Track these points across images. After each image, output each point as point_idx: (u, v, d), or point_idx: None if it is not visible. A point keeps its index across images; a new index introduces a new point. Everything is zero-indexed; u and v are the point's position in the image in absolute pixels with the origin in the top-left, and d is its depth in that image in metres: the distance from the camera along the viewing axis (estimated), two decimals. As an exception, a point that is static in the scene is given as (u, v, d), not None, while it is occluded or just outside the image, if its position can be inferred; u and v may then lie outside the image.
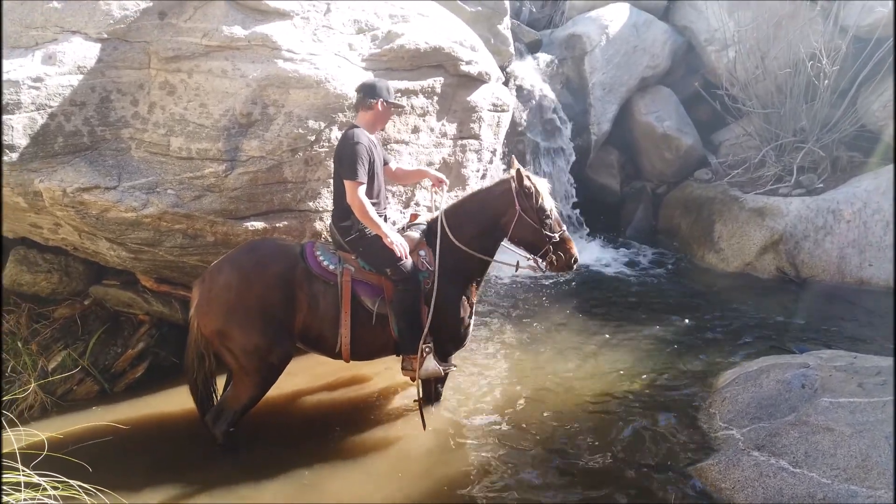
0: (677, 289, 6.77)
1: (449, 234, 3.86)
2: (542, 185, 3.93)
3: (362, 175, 3.61)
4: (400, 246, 3.68)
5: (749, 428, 3.78)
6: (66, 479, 2.56)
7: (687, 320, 5.78)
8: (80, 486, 2.52)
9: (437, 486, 3.52)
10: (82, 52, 3.97)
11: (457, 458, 3.77)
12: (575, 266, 4.02)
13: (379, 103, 3.78)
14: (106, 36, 4.06)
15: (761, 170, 7.85)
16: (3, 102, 3.68)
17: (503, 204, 3.90)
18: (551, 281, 6.73)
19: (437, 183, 4.20)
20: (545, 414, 4.22)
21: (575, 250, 4.00)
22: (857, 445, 3.31)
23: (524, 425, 4.09)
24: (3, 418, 3.28)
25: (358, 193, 3.61)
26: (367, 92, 3.78)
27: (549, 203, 3.92)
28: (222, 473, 3.57)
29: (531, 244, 3.97)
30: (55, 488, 2.53)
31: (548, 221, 3.90)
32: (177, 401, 4.32)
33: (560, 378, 4.70)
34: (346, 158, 3.62)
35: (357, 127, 3.76)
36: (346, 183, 3.63)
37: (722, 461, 3.56)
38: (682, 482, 3.54)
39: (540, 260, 3.98)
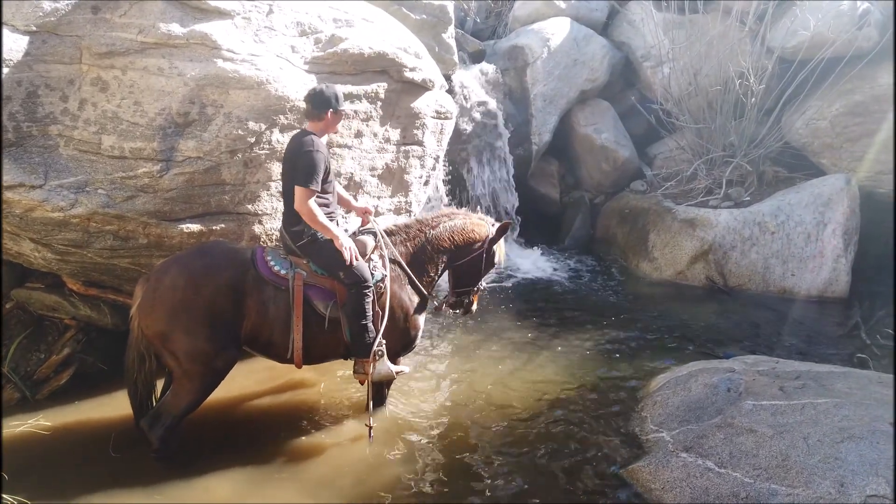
0: (613, 296, 6.96)
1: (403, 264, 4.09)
2: (503, 245, 4.46)
3: (316, 184, 3.61)
4: (350, 249, 3.68)
5: (678, 430, 3.91)
6: (-17, 490, 2.44)
7: (621, 327, 5.94)
8: (-3, 497, 2.41)
9: (372, 492, 3.50)
10: (8, 45, 3.80)
11: (393, 465, 3.77)
12: (471, 313, 4.58)
13: (328, 114, 3.75)
14: (35, 29, 3.90)
15: (693, 182, 8.16)
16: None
17: (473, 244, 4.27)
18: (491, 287, 6.80)
19: (363, 214, 4.27)
20: (481, 418, 4.26)
21: (475, 304, 4.54)
22: (777, 446, 3.47)
23: (460, 431, 4.13)
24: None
25: (308, 201, 3.60)
26: (316, 103, 3.72)
27: (502, 254, 4.43)
28: (149, 481, 3.46)
29: (466, 281, 4.36)
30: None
31: (489, 273, 4.43)
32: (104, 408, 4.18)
33: (497, 383, 4.76)
34: (303, 165, 3.60)
35: (311, 133, 3.74)
36: (299, 189, 3.59)
37: (652, 462, 3.68)
38: (615, 483, 3.63)
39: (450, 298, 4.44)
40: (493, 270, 4.48)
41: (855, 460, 3.22)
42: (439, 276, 4.33)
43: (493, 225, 4.36)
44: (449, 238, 4.19)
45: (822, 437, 3.42)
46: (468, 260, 4.26)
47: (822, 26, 7.28)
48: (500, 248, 4.40)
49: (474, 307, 4.50)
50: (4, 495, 2.43)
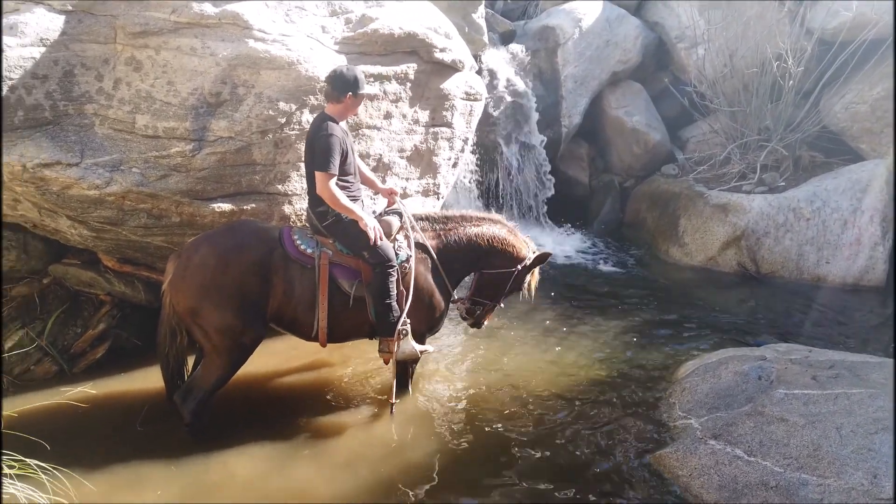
0: (642, 281, 6.88)
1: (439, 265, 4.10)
2: (536, 277, 4.52)
3: (334, 168, 3.62)
4: (375, 229, 3.70)
5: (707, 417, 3.87)
6: (23, 458, 2.51)
7: (649, 312, 5.88)
8: (37, 465, 2.48)
9: (391, 475, 3.52)
10: (45, 24, 3.86)
11: (414, 449, 3.78)
12: (478, 328, 4.58)
13: (348, 97, 3.72)
14: (70, 8, 3.95)
15: (726, 167, 7.99)
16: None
17: (509, 258, 4.25)
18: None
19: (388, 195, 4.25)
20: (508, 403, 4.26)
21: (486, 322, 4.54)
22: (808, 436, 3.42)
23: (486, 414, 4.13)
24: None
25: (329, 185, 3.62)
26: (336, 86, 3.69)
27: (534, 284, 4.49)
28: (180, 455, 3.54)
29: (487, 293, 4.33)
30: (11, 467, 2.48)
31: (513, 292, 4.41)
32: (138, 382, 4.27)
33: (524, 367, 4.75)
34: (319, 150, 3.62)
35: (329, 117, 3.72)
36: (318, 174, 3.63)
37: (680, 449, 3.65)
38: (642, 469, 3.62)
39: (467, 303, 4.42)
40: (514, 294, 4.46)
41: (889, 452, 3.16)
42: (465, 275, 4.33)
43: (533, 252, 4.34)
44: (488, 240, 4.18)
45: (856, 428, 3.36)
46: (497, 272, 4.25)
47: (864, 7, 7.06)
48: (534, 279, 4.45)
49: (485, 323, 4.49)
50: (34, 461, 2.51)
